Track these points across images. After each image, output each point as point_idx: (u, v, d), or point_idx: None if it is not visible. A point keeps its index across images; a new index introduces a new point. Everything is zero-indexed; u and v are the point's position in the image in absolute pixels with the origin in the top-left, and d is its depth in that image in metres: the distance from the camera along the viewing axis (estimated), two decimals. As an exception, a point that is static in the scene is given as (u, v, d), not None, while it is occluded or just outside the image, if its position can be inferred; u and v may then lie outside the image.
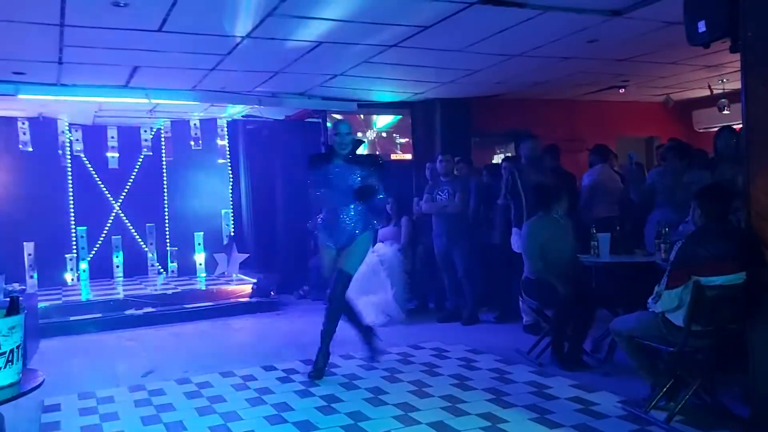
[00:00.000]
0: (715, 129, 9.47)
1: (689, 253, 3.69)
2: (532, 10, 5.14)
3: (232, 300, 8.17)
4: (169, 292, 8.28)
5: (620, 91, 9.05)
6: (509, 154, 9.31)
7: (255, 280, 8.51)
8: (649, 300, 3.91)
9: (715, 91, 8.86)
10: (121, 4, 4.52)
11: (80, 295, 8.30)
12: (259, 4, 4.73)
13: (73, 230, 9.50)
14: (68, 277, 9.28)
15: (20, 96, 7.07)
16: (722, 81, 8.56)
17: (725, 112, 8.66)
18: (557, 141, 7.66)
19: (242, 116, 9.60)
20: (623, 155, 8.58)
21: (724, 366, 3.84)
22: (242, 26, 5.26)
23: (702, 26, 3.71)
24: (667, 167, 6.19)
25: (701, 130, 10.25)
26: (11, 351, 2.41)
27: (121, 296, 7.96)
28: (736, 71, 7.27)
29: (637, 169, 7.68)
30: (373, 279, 7.23)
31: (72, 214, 9.48)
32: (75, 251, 9.49)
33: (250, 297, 8.24)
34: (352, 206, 5.03)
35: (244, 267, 9.42)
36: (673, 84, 8.91)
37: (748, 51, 3.54)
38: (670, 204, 5.85)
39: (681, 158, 6.07)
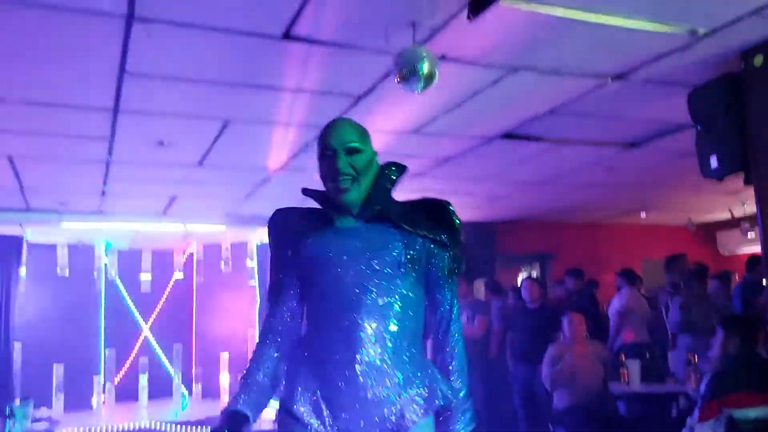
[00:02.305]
0: (742, 252, 9.52)
1: (720, 384, 3.63)
2: (550, 143, 5.39)
3: (258, 425, 8.02)
4: (193, 417, 8.19)
5: (642, 215, 9.17)
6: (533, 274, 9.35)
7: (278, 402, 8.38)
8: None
9: (737, 215, 8.94)
10: (165, 143, 4.87)
11: (104, 421, 8.24)
12: (291, 141, 5.04)
13: (102, 352, 9.59)
14: (94, 400, 9.26)
15: (62, 224, 7.42)
16: (744, 204, 8.65)
17: (750, 236, 8.69)
18: (580, 264, 7.74)
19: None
20: (648, 280, 8.57)
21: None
22: (276, 159, 5.58)
23: (714, 162, 3.84)
24: (691, 292, 6.17)
25: (727, 254, 10.22)
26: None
27: (145, 421, 7.89)
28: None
29: (666, 294, 7.65)
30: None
31: (102, 337, 9.61)
32: (102, 373, 9.53)
33: (275, 421, 8.08)
34: (389, 340, 1.91)
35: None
36: (695, 208, 9.03)
37: (762, 184, 3.66)
38: (697, 329, 5.79)
39: (703, 282, 6.09)
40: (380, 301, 1.92)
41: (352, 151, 2.00)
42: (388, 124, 4.80)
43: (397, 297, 1.94)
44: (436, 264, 2.06)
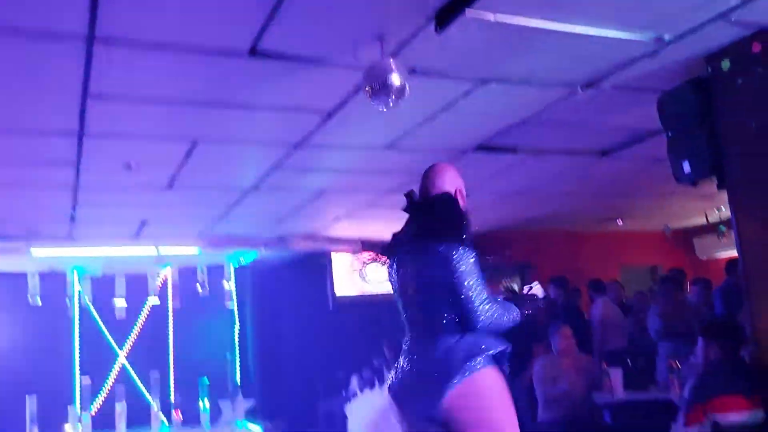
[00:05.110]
0: (719, 256, 9.59)
1: (703, 388, 3.60)
2: (524, 154, 5.38)
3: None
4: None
5: (618, 222, 9.21)
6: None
7: (262, 428, 8.24)
8: (668, 440, 3.79)
9: (712, 220, 9.01)
10: (133, 166, 4.77)
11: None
12: (263, 160, 4.98)
13: (77, 381, 9.35)
14: (70, 430, 9.00)
15: (32, 251, 7.25)
16: (718, 210, 8.72)
17: (725, 240, 8.75)
18: (561, 272, 7.73)
19: (249, 259, 9.75)
20: (629, 286, 8.60)
21: None
22: (248, 179, 5.50)
23: (687, 167, 3.84)
24: (668, 299, 6.18)
25: (705, 258, 10.30)
26: None
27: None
28: (729, 200, 7.44)
29: (642, 298, 7.68)
30: (383, 423, 6.99)
31: (76, 365, 9.38)
32: (78, 402, 9.28)
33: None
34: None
35: (251, 414, 9.14)
36: (671, 214, 9.09)
37: (735, 189, 3.66)
38: (677, 335, 5.80)
39: (680, 288, 6.11)
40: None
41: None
42: (360, 140, 4.76)
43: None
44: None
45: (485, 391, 2.44)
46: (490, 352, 2.48)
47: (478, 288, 2.53)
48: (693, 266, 9.63)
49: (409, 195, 2.80)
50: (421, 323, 2.62)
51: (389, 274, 2.81)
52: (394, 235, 2.83)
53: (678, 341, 5.68)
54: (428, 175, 2.87)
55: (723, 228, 8.80)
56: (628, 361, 5.68)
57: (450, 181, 2.83)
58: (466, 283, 2.51)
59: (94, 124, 4.02)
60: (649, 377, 5.64)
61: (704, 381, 3.64)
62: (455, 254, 2.52)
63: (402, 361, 2.64)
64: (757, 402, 3.46)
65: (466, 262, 2.53)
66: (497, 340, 2.56)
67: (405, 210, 2.80)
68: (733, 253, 6.90)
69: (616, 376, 5.19)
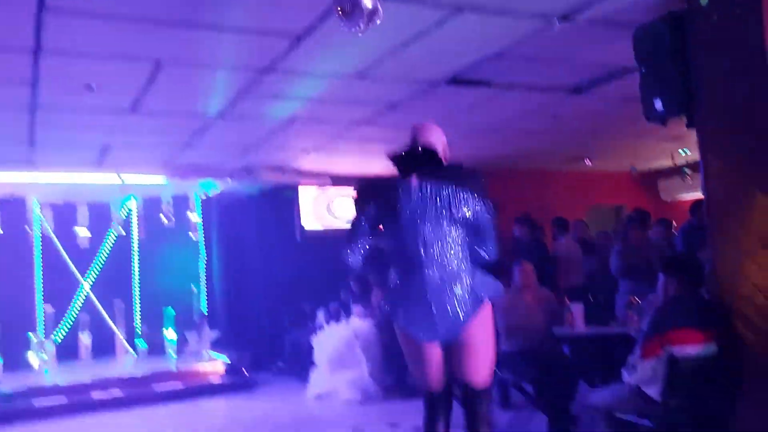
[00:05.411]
0: (682, 198, 9.78)
1: (661, 322, 3.69)
2: (496, 88, 5.32)
3: (204, 380, 7.94)
4: (138, 374, 8.03)
5: (587, 162, 9.28)
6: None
7: (227, 359, 8.31)
8: (624, 371, 3.90)
9: (678, 162, 9.12)
10: (93, 87, 4.58)
11: (45, 378, 8.01)
12: (230, 85, 4.82)
13: (40, 309, 9.26)
14: (33, 358, 8.97)
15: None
16: (685, 152, 8.82)
17: (690, 181, 8.90)
18: (529, 211, 7.80)
19: (215, 190, 9.62)
20: (594, 224, 8.74)
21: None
22: (214, 106, 5.35)
23: (658, 104, 3.82)
24: (631, 238, 6.30)
25: (669, 200, 10.49)
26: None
27: (87, 379, 7.69)
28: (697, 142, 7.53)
29: (606, 237, 7.82)
30: (348, 354, 7.11)
31: (39, 293, 9.27)
32: (41, 331, 9.22)
33: (223, 376, 8.02)
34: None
35: (216, 344, 9.21)
36: (638, 155, 9.18)
37: (704, 127, 3.67)
38: (637, 273, 5.93)
39: (643, 228, 6.22)
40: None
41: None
42: (330, 68, 4.63)
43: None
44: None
45: (488, 318, 3.13)
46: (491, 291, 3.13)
47: (492, 232, 3.10)
48: (657, 208, 9.80)
49: (410, 147, 3.15)
50: (446, 264, 3.01)
51: (392, 209, 3.04)
52: (399, 175, 3.10)
53: (639, 279, 5.82)
54: (419, 131, 3.21)
55: (687, 170, 8.95)
56: (590, 296, 5.81)
57: (437, 139, 3.21)
58: (485, 227, 3.06)
59: (50, 41, 3.84)
60: (608, 313, 5.78)
61: (662, 315, 3.73)
62: (477, 201, 3.02)
63: (422, 295, 3.00)
64: (712, 336, 3.55)
65: (488, 208, 3.05)
66: (491, 278, 3.17)
67: (408, 155, 3.12)
68: (697, 195, 7.06)
69: (577, 310, 5.31)
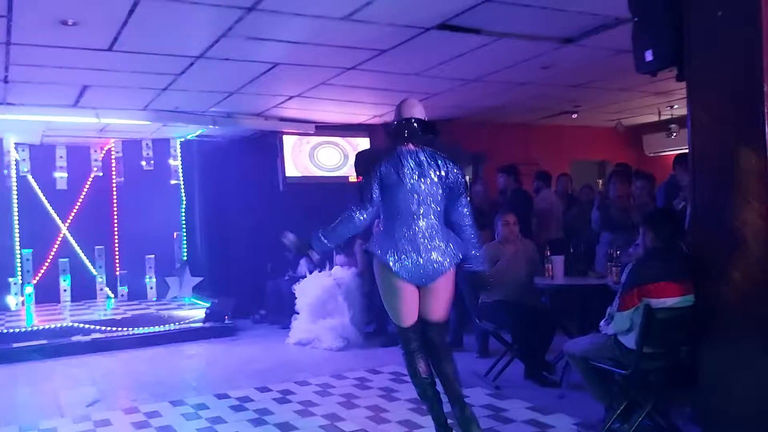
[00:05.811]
0: (665, 153, 9.83)
1: (640, 275, 3.73)
2: (487, 37, 5.22)
3: (185, 325, 7.96)
4: (119, 317, 8.03)
5: (573, 116, 9.24)
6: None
7: (208, 305, 8.32)
8: (602, 322, 3.96)
9: (664, 117, 9.12)
10: (70, 23, 4.41)
11: (24, 320, 7.98)
12: (212, 24, 4.67)
13: (18, 253, 9.17)
14: (12, 301, 8.94)
15: (-37, 114, 6.84)
16: (671, 107, 8.82)
17: (674, 137, 8.92)
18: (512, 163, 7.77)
19: (196, 136, 9.46)
20: (577, 178, 8.78)
21: (676, 388, 3.88)
22: (195, 46, 5.19)
23: (649, 55, 3.77)
24: (613, 192, 6.33)
25: (651, 155, 10.54)
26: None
27: (67, 322, 7.67)
28: (684, 98, 7.48)
29: (589, 191, 7.85)
30: (330, 302, 7.15)
31: (17, 237, 9.15)
32: (20, 274, 9.15)
33: (204, 322, 8.04)
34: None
35: (198, 291, 9.22)
36: (624, 109, 9.15)
37: (694, 80, 3.63)
38: (617, 226, 5.98)
39: (626, 183, 6.26)
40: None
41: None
42: (316, 9, 4.49)
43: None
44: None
45: (453, 275, 3.73)
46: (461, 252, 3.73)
47: (465, 192, 3.80)
48: (640, 162, 9.84)
49: (405, 119, 3.69)
50: (431, 218, 3.63)
51: (396, 171, 3.58)
52: (397, 142, 3.68)
53: (619, 233, 5.88)
54: (410, 106, 3.74)
55: (673, 126, 8.96)
56: (571, 249, 5.85)
57: (421, 112, 3.73)
58: (461, 188, 3.73)
59: (23, -29, 3.66)
60: (588, 266, 5.84)
61: (642, 267, 3.76)
62: (458, 167, 3.73)
63: (412, 244, 3.59)
64: (689, 288, 3.60)
65: (463, 174, 3.79)
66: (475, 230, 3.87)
67: (405, 125, 3.67)
68: (681, 150, 7.08)
69: (557, 262, 5.35)
